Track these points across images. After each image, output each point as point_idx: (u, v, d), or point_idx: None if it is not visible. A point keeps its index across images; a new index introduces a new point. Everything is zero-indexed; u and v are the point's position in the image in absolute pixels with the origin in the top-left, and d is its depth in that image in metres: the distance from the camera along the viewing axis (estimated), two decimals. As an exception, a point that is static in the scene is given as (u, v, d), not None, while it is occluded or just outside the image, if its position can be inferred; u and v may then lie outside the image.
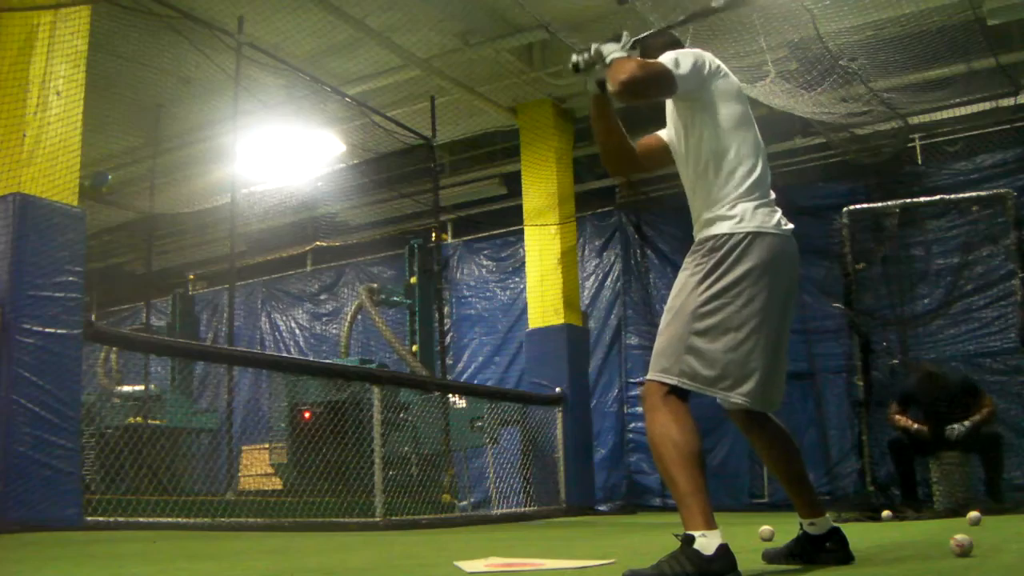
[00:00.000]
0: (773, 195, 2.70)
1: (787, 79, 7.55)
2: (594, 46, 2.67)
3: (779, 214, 2.67)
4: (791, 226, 2.69)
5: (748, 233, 2.58)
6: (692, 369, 2.53)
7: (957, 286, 8.77)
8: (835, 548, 2.76)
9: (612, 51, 2.62)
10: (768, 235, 2.60)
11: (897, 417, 7.02)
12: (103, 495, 5.69)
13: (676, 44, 2.87)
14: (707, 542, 2.32)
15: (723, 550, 2.33)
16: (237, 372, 8.50)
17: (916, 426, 6.88)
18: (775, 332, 2.61)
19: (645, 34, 2.85)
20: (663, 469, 2.48)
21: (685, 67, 2.62)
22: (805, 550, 2.79)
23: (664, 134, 2.95)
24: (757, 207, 2.63)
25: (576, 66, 2.73)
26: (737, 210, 2.61)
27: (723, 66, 2.74)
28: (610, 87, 2.59)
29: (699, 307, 2.55)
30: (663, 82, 2.59)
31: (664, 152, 2.93)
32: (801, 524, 2.81)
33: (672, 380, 2.54)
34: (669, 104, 2.84)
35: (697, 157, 2.70)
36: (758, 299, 2.56)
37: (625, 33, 2.68)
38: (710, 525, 2.36)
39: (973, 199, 8.47)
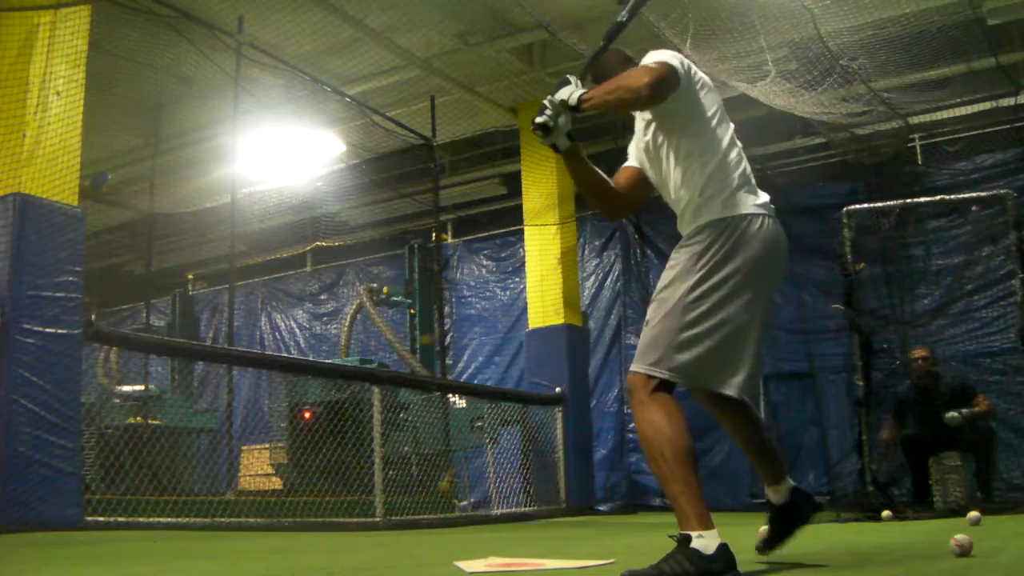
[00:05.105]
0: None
1: (787, 79, 7.55)
2: (548, 100, 2.53)
3: (768, 198, 2.68)
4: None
5: (745, 216, 2.57)
6: (682, 363, 2.49)
7: (957, 286, 8.77)
8: (800, 504, 2.81)
9: (572, 91, 2.51)
10: (762, 217, 2.60)
11: (884, 435, 7.20)
12: (103, 495, 5.69)
13: (629, 60, 2.82)
14: (706, 542, 2.30)
15: (723, 549, 2.32)
16: (237, 372, 8.50)
17: (893, 435, 7.10)
18: (765, 322, 2.60)
19: (590, 60, 2.76)
20: (656, 468, 2.45)
21: (675, 64, 2.61)
22: (779, 522, 2.84)
23: (633, 160, 2.89)
24: (749, 191, 2.63)
25: (546, 126, 2.51)
26: (733, 196, 2.59)
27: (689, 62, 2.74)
28: (627, 96, 2.51)
29: (693, 300, 2.50)
30: (671, 78, 2.57)
31: (644, 181, 2.86)
32: (767, 497, 2.87)
33: (662, 374, 2.50)
34: (642, 114, 2.78)
35: (686, 153, 2.65)
36: (752, 291, 2.53)
37: (567, 76, 2.59)
38: (706, 525, 2.33)
39: (973, 199, 8.46)
